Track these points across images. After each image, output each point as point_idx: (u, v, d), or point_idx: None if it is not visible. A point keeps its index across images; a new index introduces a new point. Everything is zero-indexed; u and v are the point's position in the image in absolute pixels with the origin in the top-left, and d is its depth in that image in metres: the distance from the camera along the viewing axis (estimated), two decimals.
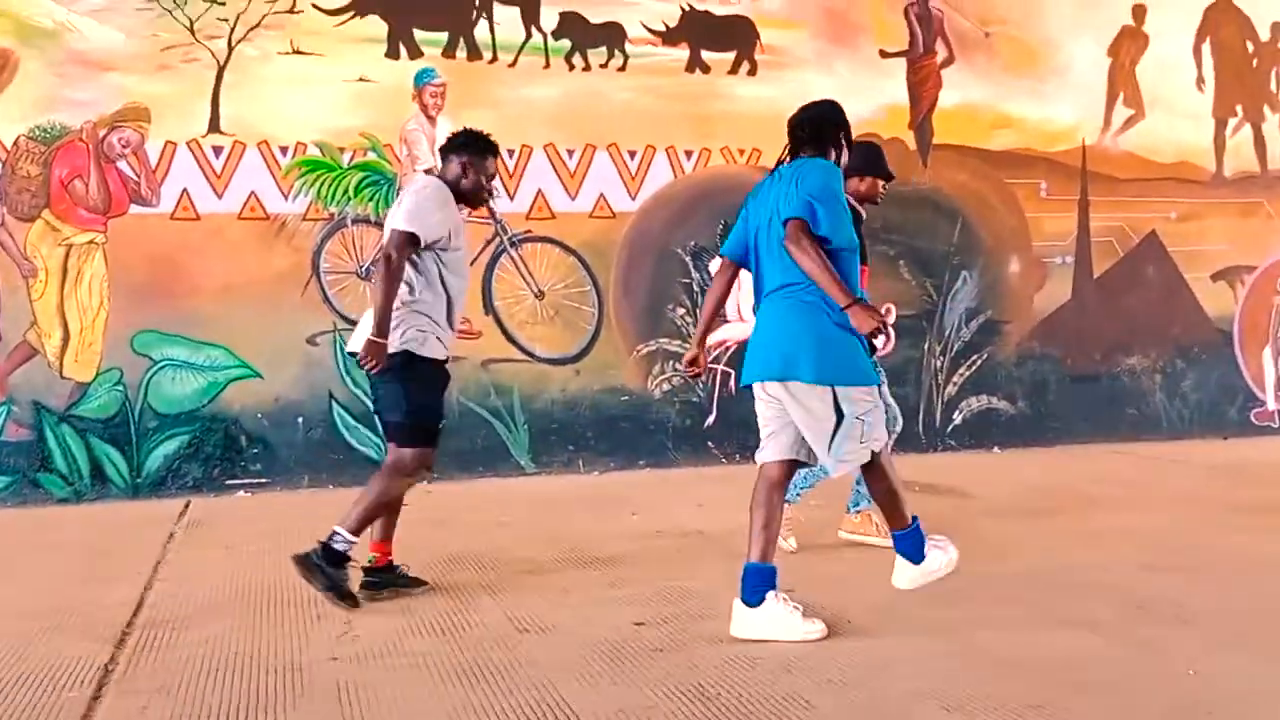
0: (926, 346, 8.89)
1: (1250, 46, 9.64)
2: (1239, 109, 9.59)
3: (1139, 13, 9.29)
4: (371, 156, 7.75)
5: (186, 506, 7.06)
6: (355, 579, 4.50)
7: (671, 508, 6.62)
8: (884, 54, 8.75)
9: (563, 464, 8.14)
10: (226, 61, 7.49)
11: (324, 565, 4.31)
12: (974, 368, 8.99)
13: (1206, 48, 9.50)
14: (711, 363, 8.38)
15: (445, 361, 4.69)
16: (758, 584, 3.97)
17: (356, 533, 4.39)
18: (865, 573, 4.75)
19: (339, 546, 4.34)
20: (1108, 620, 4.12)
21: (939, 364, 8.92)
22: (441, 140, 7.41)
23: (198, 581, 4.96)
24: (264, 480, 7.58)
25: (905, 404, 8.74)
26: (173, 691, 3.54)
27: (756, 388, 4.21)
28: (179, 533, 6.18)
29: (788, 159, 4.32)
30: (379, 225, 7.77)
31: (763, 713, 3.29)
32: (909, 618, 4.19)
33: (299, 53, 7.59)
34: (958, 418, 8.94)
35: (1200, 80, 9.50)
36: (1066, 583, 4.67)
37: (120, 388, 7.36)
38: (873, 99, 8.74)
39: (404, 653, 3.87)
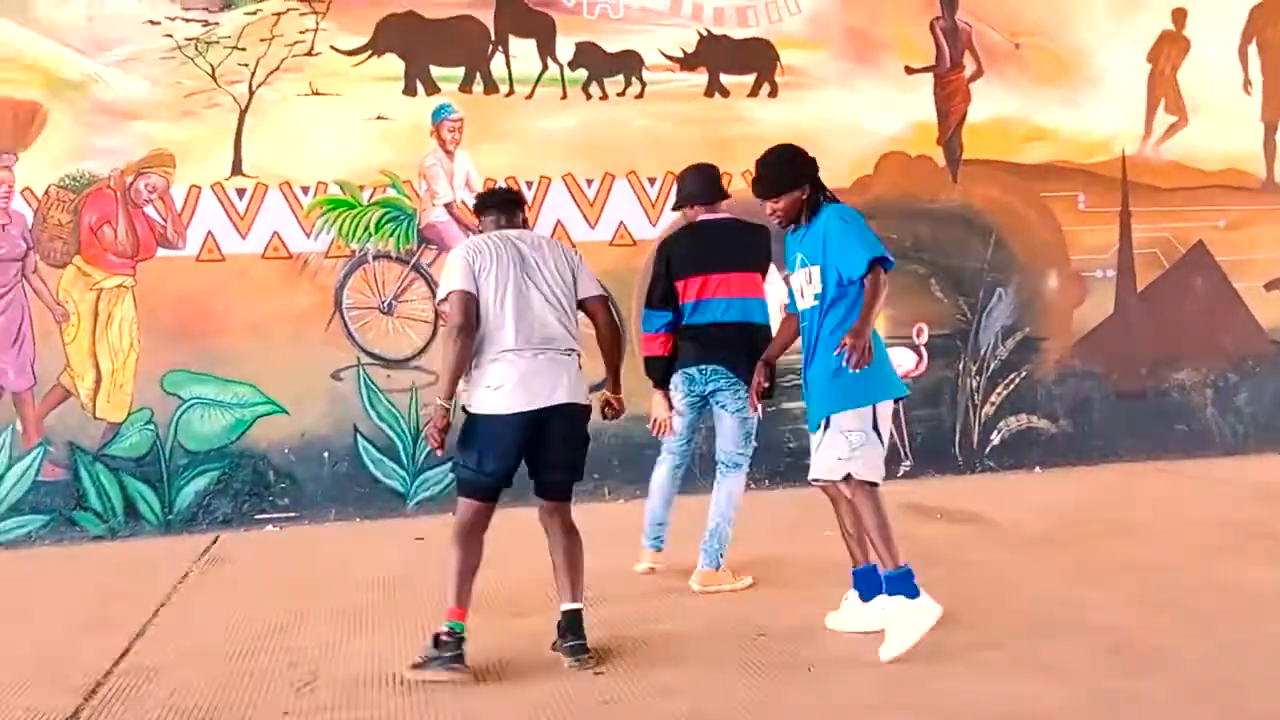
0: (961, 365, 8.71)
1: None
2: None
3: (1179, 16, 9.00)
4: (391, 193, 7.85)
5: (214, 542, 7.22)
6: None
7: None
8: (909, 70, 8.60)
9: (588, 492, 8.09)
10: (248, 105, 7.65)
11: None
12: (1012, 386, 8.78)
13: (1253, 49, 9.16)
14: None
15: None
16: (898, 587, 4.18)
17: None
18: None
19: None
20: (1079, 668, 3.97)
21: (975, 383, 8.73)
22: (460, 175, 7.62)
23: (190, 626, 5.07)
24: (292, 514, 7.72)
25: (940, 424, 8.67)
26: None
27: None
28: (194, 572, 6.32)
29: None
30: (400, 261, 7.90)
31: None
32: (873, 663, 4.09)
33: (318, 94, 7.73)
34: (996, 438, 8.74)
35: (1247, 83, 9.16)
36: (1051, 623, 4.54)
37: (151, 426, 7.56)
38: (899, 116, 8.61)
39: (358, 705, 3.90)
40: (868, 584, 4.44)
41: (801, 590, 5.21)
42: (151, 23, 7.50)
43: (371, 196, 7.82)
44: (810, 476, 4.58)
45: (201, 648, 4.71)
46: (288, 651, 4.54)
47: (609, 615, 4.84)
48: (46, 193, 7.42)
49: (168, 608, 5.47)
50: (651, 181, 8.22)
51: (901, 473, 8.39)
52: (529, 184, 8.03)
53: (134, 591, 5.80)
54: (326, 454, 7.77)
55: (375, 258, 7.84)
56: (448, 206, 7.93)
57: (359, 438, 7.80)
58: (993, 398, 8.75)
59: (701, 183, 5.70)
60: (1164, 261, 9.04)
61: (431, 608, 5.12)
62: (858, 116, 8.50)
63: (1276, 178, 9.22)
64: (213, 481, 7.64)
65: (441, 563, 4.32)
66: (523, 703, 3.86)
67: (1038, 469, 8.72)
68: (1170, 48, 9.01)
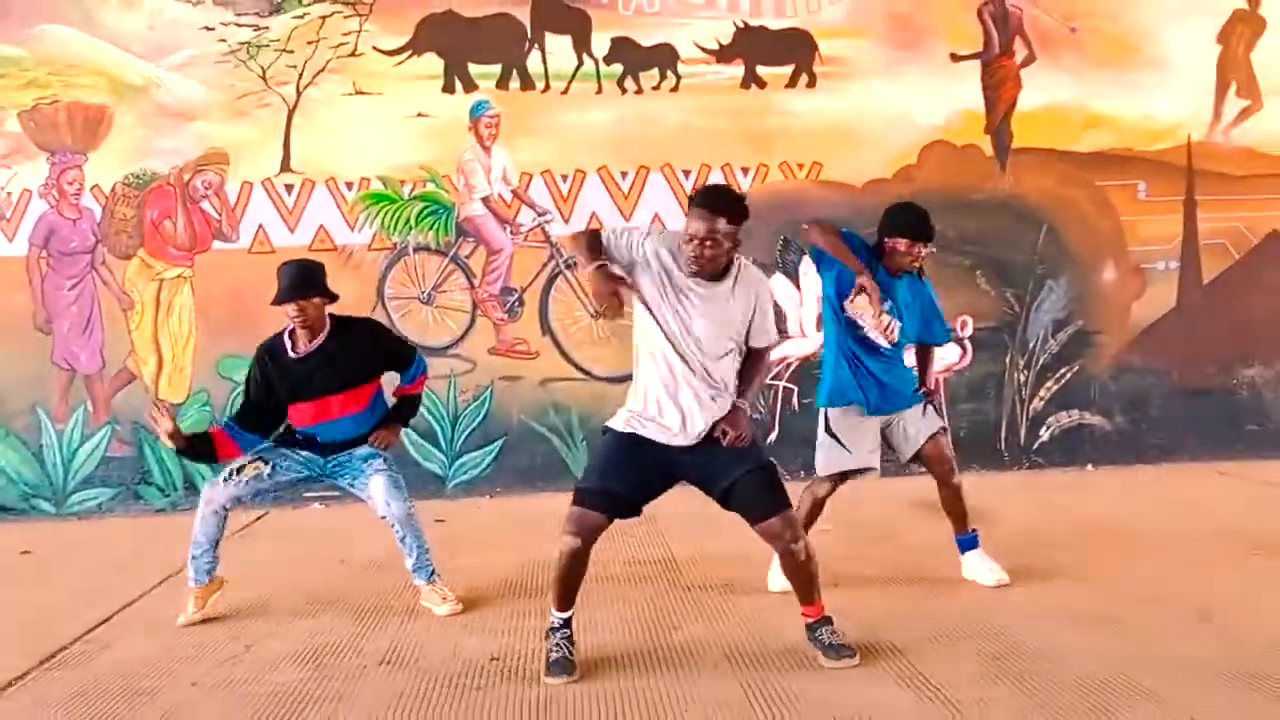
0: (1009, 359, 8.51)
1: None
2: None
3: None
4: (431, 188, 8.16)
5: (258, 519, 7.70)
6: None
7: (678, 531, 6.68)
8: (955, 57, 8.42)
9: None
10: (295, 105, 8.08)
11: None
12: (1062, 381, 8.53)
13: None
14: (773, 379, 8.35)
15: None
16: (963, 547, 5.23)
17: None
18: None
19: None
20: (952, 679, 3.95)
21: (1023, 378, 8.52)
22: (498, 169, 7.83)
23: (177, 600, 5.47)
24: (336, 494, 8.11)
25: (985, 419, 8.49)
26: (45, 706, 4.00)
27: None
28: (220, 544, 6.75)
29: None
30: (439, 253, 8.21)
31: None
32: (767, 659, 4.17)
33: (361, 93, 8.09)
34: (1045, 434, 8.51)
35: None
36: (958, 631, 4.49)
37: (208, 408, 8.09)
38: (944, 105, 8.44)
39: (257, 682, 4.20)
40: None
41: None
42: (206, 29, 7.99)
43: (412, 191, 8.15)
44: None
45: (166, 622, 5.06)
46: (238, 626, 4.89)
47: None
48: (113, 190, 8.01)
49: (168, 583, 5.89)
50: (686, 174, 8.30)
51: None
52: (564, 178, 8.22)
53: (154, 564, 6.25)
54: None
55: (416, 250, 8.17)
56: (485, 200, 8.19)
57: None
58: (1041, 393, 8.52)
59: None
60: (1233, 252, 8.61)
61: (398, 588, 5.43)
62: (901, 106, 8.37)
63: None
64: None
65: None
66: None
67: (1090, 466, 8.46)
68: (1243, 27, 8.54)
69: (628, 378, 8.39)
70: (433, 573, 5.18)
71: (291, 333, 5.10)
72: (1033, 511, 6.85)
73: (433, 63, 8.15)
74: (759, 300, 4.20)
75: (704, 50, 8.30)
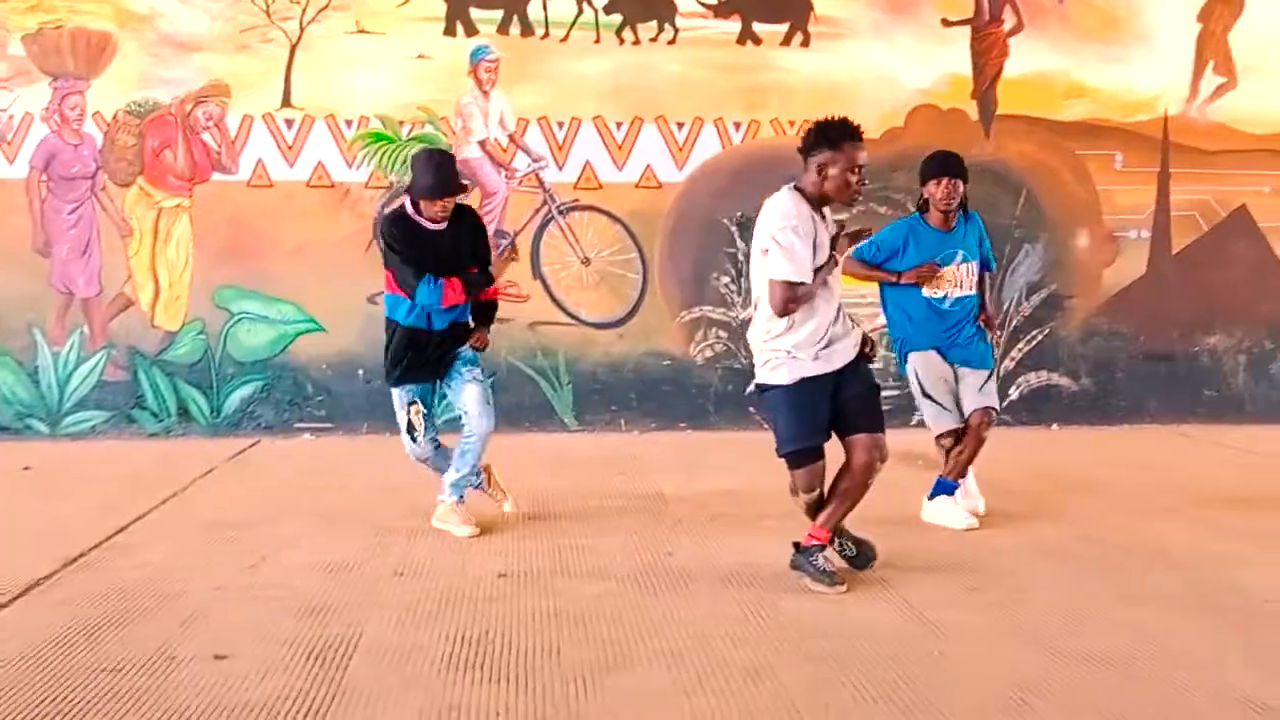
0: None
1: None
2: None
3: None
4: (429, 129, 8.30)
5: (252, 445, 7.89)
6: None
7: (666, 471, 6.96)
8: (946, 22, 8.64)
9: (605, 423, 8.55)
10: (298, 41, 8.18)
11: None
12: (1034, 343, 8.85)
13: None
14: None
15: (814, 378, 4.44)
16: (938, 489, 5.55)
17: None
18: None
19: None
20: (933, 604, 4.25)
21: (995, 338, 8.80)
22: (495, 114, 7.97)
23: (184, 515, 5.72)
24: (328, 425, 8.34)
25: None
26: (74, 604, 4.21)
27: None
28: (217, 470, 6.98)
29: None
30: None
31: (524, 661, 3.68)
32: (759, 582, 4.46)
33: (363, 32, 8.21)
34: (1015, 393, 8.82)
35: None
36: (936, 565, 4.82)
37: (203, 337, 8.24)
38: (933, 69, 8.67)
39: (279, 587, 4.44)
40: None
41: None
42: None
43: (410, 132, 8.28)
44: (989, 408, 5.50)
45: (181, 532, 5.32)
46: (248, 540, 5.12)
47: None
48: (115, 117, 8.10)
49: (177, 498, 6.11)
50: (680, 126, 8.49)
51: (915, 421, 8.55)
52: (560, 125, 8.39)
53: (158, 482, 6.46)
54: (361, 371, 8.34)
55: (416, 203, 8.29)
56: (482, 144, 8.35)
57: None
58: (1013, 353, 8.83)
59: None
60: (1203, 225, 8.93)
61: (400, 512, 5.67)
62: (891, 68, 8.60)
63: None
64: (257, 390, 8.30)
65: None
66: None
67: (1055, 426, 8.80)
68: (1222, 8, 8.81)
69: (615, 323, 8.73)
70: (463, 494, 5.40)
71: (415, 207, 5.20)
72: (1000, 466, 7.10)
73: (435, 5, 8.26)
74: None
75: (702, 4, 8.47)
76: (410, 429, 5.37)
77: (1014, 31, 8.69)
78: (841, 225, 4.75)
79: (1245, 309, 8.98)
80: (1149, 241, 8.92)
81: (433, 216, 5.18)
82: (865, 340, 4.55)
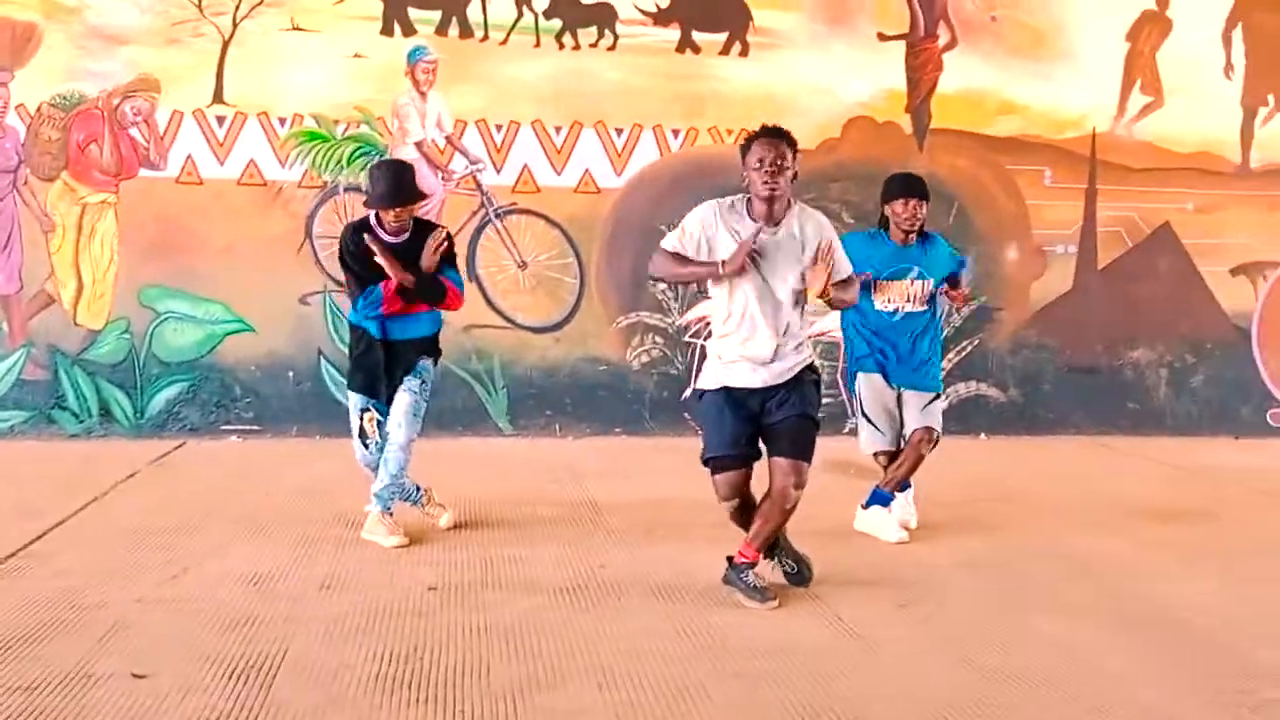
0: None
1: None
2: (1270, 98, 9.20)
3: None
4: (364, 129, 8.20)
5: (177, 447, 7.73)
6: None
7: (600, 477, 6.95)
8: (882, 36, 8.72)
9: (540, 428, 8.52)
10: (231, 37, 8.03)
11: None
12: (964, 353, 8.97)
13: (1238, 34, 9.12)
14: (691, 336, 8.62)
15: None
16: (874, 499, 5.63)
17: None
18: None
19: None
20: (865, 619, 4.29)
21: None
22: (433, 115, 7.97)
23: (105, 520, 5.58)
24: (255, 427, 8.20)
25: None
26: None
27: None
28: (140, 473, 6.83)
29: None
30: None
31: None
32: (691, 597, 4.47)
33: (299, 29, 8.08)
34: (945, 403, 8.91)
35: (1229, 67, 9.13)
36: (867, 579, 4.87)
37: (127, 336, 8.05)
38: (869, 82, 8.75)
39: (202, 599, 4.35)
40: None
41: None
42: None
43: (345, 131, 8.17)
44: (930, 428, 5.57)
45: (101, 540, 5.19)
46: (171, 549, 5.01)
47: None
48: (39, 110, 7.89)
49: (98, 503, 5.97)
50: (619, 132, 8.48)
51: (846, 429, 8.63)
52: (498, 128, 8.34)
53: (78, 486, 6.30)
54: (291, 373, 8.22)
55: (346, 190, 8.21)
56: (418, 145, 8.26)
57: (323, 360, 8.23)
58: (944, 364, 8.92)
59: None
60: (1128, 241, 9.12)
61: (328, 520, 5.60)
62: (828, 80, 8.66)
63: (1251, 164, 9.21)
64: (182, 391, 8.13)
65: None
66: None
67: (984, 435, 8.93)
68: (1151, 28, 9.01)
69: (551, 327, 8.69)
70: (389, 505, 5.34)
71: (377, 219, 5.18)
72: (930, 475, 7.18)
73: (372, 4, 8.16)
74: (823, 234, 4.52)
75: (642, 12, 8.47)
76: (363, 435, 5.34)
77: (948, 47, 8.80)
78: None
79: (1168, 324, 9.19)
80: (1076, 256, 9.09)
81: (388, 226, 5.13)
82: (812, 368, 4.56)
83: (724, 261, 4.34)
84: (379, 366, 5.28)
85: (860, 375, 5.68)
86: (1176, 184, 9.11)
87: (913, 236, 5.58)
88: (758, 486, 4.56)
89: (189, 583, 4.59)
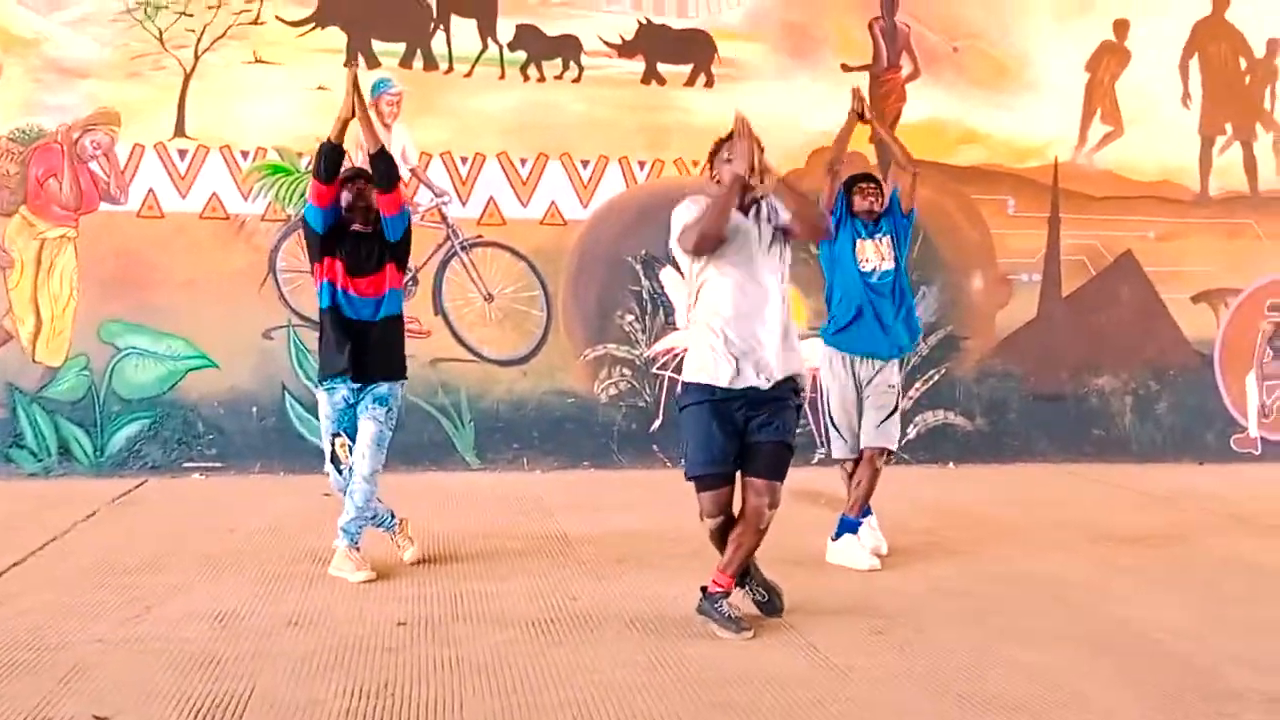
0: None
1: (1243, 63, 9.37)
2: (1228, 127, 9.35)
3: (1121, 28, 9.13)
4: None
5: (138, 486, 7.59)
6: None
7: (570, 510, 6.88)
8: (846, 68, 8.79)
9: (507, 462, 8.44)
10: (193, 70, 7.98)
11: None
12: (931, 383, 9.00)
13: (1194, 64, 9.28)
14: (659, 369, 8.60)
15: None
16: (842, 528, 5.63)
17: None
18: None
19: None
20: (839, 648, 4.26)
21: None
22: (397, 148, 7.96)
23: (65, 560, 5.44)
24: (218, 465, 8.07)
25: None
26: None
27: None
28: (100, 512, 6.69)
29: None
30: None
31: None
32: (665, 628, 4.41)
33: (261, 62, 8.04)
34: (912, 432, 8.95)
35: (1186, 97, 9.29)
36: (840, 607, 4.83)
37: (87, 373, 7.92)
38: (833, 112, 8.69)
39: (166, 638, 4.24)
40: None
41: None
42: None
43: (308, 164, 8.08)
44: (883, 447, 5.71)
45: (61, 580, 5.06)
46: (133, 589, 4.89)
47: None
48: None
49: (57, 542, 5.83)
50: (585, 164, 8.48)
51: (816, 459, 8.61)
52: (464, 160, 8.32)
53: (37, 526, 6.16)
54: (255, 409, 8.11)
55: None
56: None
57: (287, 395, 8.13)
58: (911, 393, 8.95)
59: None
60: (1091, 269, 9.21)
61: (294, 556, 5.50)
62: (792, 110, 8.68)
63: (1210, 191, 9.34)
64: (144, 429, 8.00)
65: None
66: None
67: (952, 464, 8.94)
68: (1110, 58, 9.14)
69: (518, 360, 8.63)
70: (356, 539, 5.25)
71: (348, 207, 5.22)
72: (900, 504, 7.22)
73: (336, 37, 8.14)
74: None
75: (607, 44, 8.49)
76: (335, 460, 5.27)
77: (911, 78, 8.89)
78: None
79: (1131, 351, 9.27)
80: (1040, 284, 9.16)
81: (350, 207, 5.20)
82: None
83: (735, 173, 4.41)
84: (352, 351, 5.17)
85: (832, 366, 5.78)
86: (1138, 212, 9.22)
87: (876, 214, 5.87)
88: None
89: (152, 622, 4.47)
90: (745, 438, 4.44)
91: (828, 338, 5.87)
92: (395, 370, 5.39)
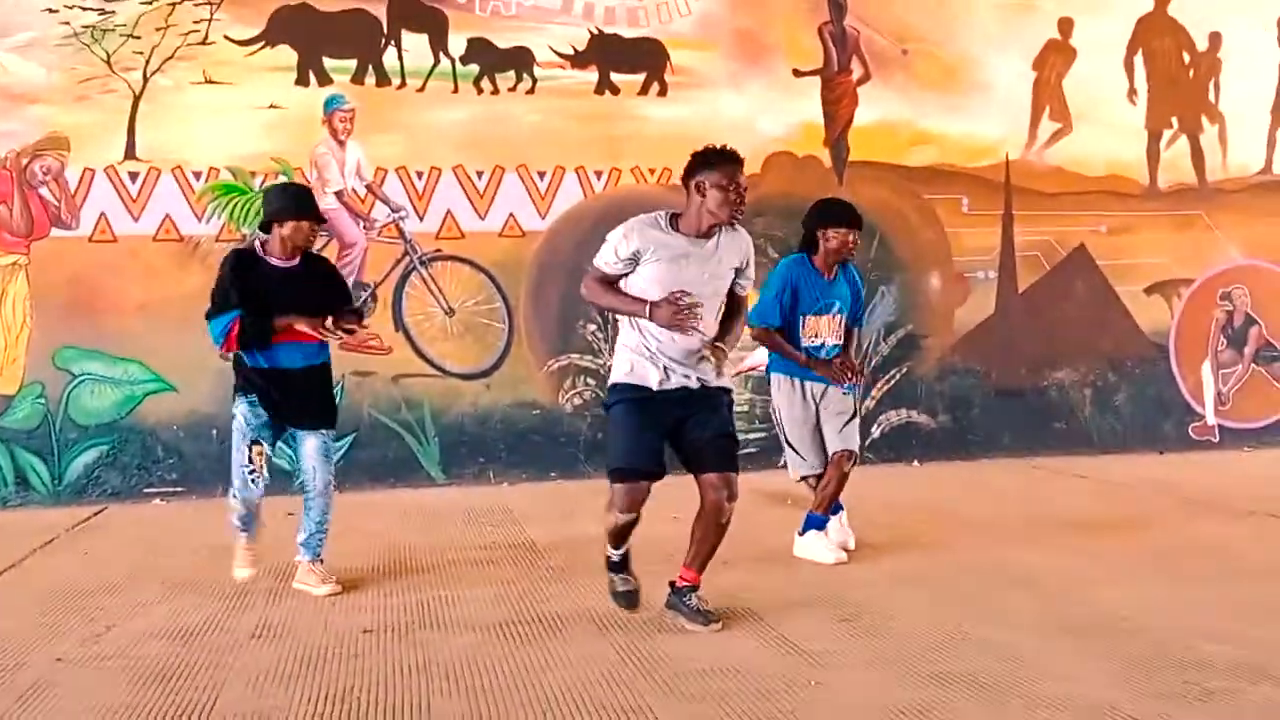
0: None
1: (1187, 57, 9.53)
2: (1174, 121, 9.49)
3: (1065, 26, 9.26)
4: (283, 179, 8.08)
5: (97, 513, 7.48)
6: None
7: (538, 520, 6.84)
8: (798, 73, 8.86)
9: (473, 475, 8.39)
10: (142, 92, 7.91)
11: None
12: (892, 382, 9.04)
13: (1139, 59, 9.42)
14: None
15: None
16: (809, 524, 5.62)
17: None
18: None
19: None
20: (807, 637, 4.26)
21: (858, 382, 8.97)
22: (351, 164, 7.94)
23: (22, 587, 5.35)
24: (179, 489, 7.97)
25: None
26: None
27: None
28: (59, 539, 6.58)
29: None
30: None
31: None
32: (634, 626, 4.39)
33: (211, 82, 7.98)
34: (876, 431, 8.98)
35: (1132, 92, 9.42)
36: (807, 599, 4.84)
37: (42, 400, 7.81)
38: (787, 117, 8.86)
39: (126, 655, 4.18)
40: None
41: None
42: (50, 10, 7.75)
43: (263, 183, 8.05)
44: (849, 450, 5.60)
45: (19, 606, 4.97)
46: (94, 610, 4.82)
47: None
48: None
49: (16, 569, 5.74)
50: (541, 175, 8.48)
51: (781, 463, 8.59)
52: (419, 175, 8.30)
53: None
54: (214, 431, 8.00)
55: (264, 243, 8.06)
56: (338, 194, 8.18)
57: None
58: (874, 393, 9.00)
59: None
60: (1045, 264, 9.30)
61: (258, 574, 5.42)
62: (746, 116, 8.74)
63: (1159, 184, 9.47)
64: (102, 455, 7.89)
65: None
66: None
67: (916, 463, 8.98)
68: (1056, 57, 9.26)
69: (480, 374, 8.59)
70: (319, 553, 5.19)
71: (264, 245, 5.05)
72: (865, 502, 7.21)
73: (286, 55, 8.10)
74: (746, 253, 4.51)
75: (559, 55, 8.51)
76: (250, 469, 5.04)
77: (862, 81, 8.96)
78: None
79: (1088, 344, 9.35)
80: (996, 281, 9.24)
81: (277, 253, 5.00)
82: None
83: (654, 305, 4.24)
84: (275, 399, 5.03)
85: (781, 388, 5.67)
86: (1089, 207, 9.32)
87: (836, 268, 5.61)
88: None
89: (112, 640, 4.41)
90: (684, 438, 4.38)
91: (773, 364, 5.76)
92: (322, 380, 5.24)
